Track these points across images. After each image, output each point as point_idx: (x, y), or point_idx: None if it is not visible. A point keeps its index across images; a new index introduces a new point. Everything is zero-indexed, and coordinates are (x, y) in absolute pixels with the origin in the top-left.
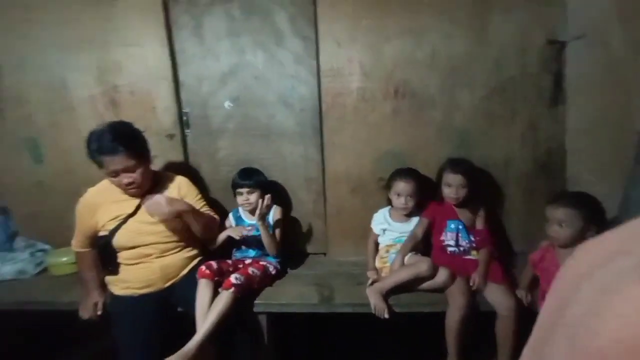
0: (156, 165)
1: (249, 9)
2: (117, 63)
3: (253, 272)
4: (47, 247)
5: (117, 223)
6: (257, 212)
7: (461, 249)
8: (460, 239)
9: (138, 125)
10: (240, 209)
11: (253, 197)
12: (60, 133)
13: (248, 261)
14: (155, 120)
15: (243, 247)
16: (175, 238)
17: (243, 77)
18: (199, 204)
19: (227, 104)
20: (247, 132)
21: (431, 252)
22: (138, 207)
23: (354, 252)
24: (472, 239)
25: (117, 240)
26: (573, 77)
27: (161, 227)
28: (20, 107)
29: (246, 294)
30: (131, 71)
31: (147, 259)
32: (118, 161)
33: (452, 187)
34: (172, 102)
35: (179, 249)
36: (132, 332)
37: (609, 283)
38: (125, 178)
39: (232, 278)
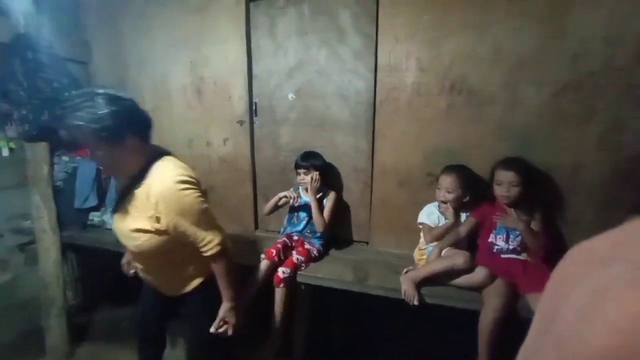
0: (227, 147)
1: (317, 8)
2: (205, 58)
3: (298, 259)
4: None
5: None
6: (309, 187)
7: (510, 247)
8: (510, 238)
9: (216, 112)
10: (300, 187)
11: (308, 178)
12: (159, 115)
13: (295, 238)
14: (230, 108)
15: (294, 221)
16: (153, 263)
17: (307, 71)
18: (182, 229)
19: (290, 95)
20: (306, 121)
21: (476, 254)
22: (117, 203)
23: (395, 244)
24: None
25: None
26: None
27: (133, 241)
28: (135, 93)
29: (294, 279)
30: (216, 65)
31: (138, 266)
32: None
33: (503, 184)
34: (245, 92)
35: (162, 271)
36: (139, 310)
37: (599, 289)
38: None
39: (280, 273)
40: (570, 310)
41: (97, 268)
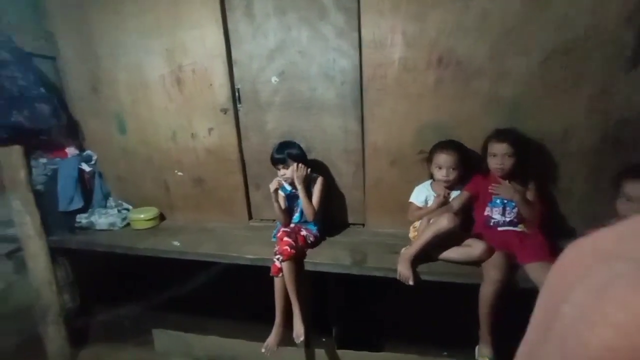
0: (212, 138)
1: None
2: (182, 45)
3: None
4: (130, 206)
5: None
6: (295, 176)
7: (507, 219)
8: (507, 210)
9: (198, 101)
10: (285, 184)
11: (289, 172)
12: (139, 108)
13: (292, 225)
14: (212, 96)
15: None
16: None
17: (289, 52)
18: None
19: (273, 79)
20: (292, 105)
21: (472, 228)
22: None
23: (391, 224)
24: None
25: None
26: None
27: None
28: (111, 86)
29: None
30: (193, 51)
31: None
32: None
33: (497, 156)
34: (226, 79)
35: None
36: None
37: (602, 288)
38: None
39: (277, 262)
40: (571, 308)
41: (93, 269)
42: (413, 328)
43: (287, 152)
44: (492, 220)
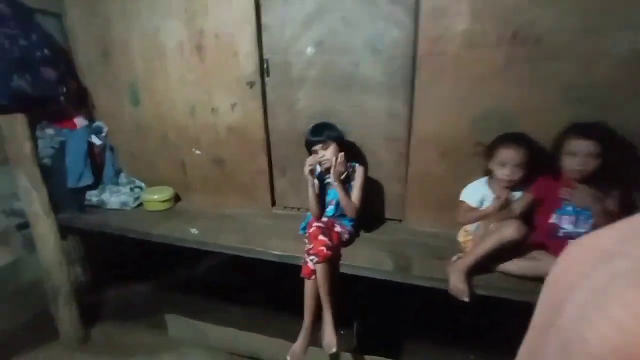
0: (235, 114)
1: None
2: (204, 6)
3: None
4: (142, 184)
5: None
6: (331, 170)
7: (580, 231)
8: (580, 220)
9: (221, 72)
10: (318, 167)
11: (328, 153)
12: (154, 78)
13: (324, 219)
14: (237, 67)
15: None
16: None
17: (329, 19)
18: None
19: (309, 49)
20: (328, 81)
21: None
22: None
23: (431, 223)
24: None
25: None
26: None
27: None
28: (123, 53)
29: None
30: (216, 15)
31: None
32: None
33: (578, 156)
34: (253, 47)
35: None
36: None
37: (603, 286)
38: None
39: (310, 264)
40: (574, 307)
41: (105, 244)
42: (444, 333)
43: (326, 133)
44: (562, 231)
